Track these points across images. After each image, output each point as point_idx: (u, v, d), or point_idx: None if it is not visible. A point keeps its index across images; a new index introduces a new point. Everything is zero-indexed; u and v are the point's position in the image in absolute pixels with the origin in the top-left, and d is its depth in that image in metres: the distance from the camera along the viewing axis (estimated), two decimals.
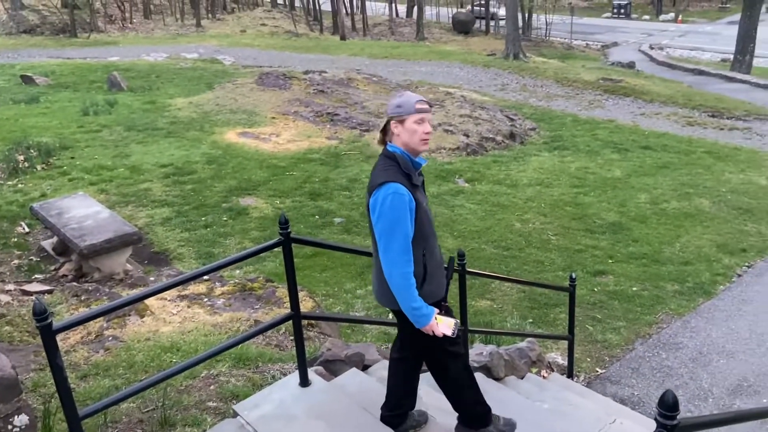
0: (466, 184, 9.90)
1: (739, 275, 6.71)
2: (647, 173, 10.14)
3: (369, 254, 2.45)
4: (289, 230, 2.74)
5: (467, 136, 12.21)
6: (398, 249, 2.36)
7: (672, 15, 36.29)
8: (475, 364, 4.15)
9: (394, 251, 2.36)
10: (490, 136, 12.41)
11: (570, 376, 4.79)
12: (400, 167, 2.43)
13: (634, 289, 6.42)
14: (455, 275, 3.07)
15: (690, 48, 27.79)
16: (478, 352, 4.29)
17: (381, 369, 3.65)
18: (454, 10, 33.46)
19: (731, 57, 20.76)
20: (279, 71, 15.92)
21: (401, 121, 2.45)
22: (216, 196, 8.47)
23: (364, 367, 3.68)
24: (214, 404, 3.17)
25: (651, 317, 5.91)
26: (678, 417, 1.57)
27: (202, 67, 18.34)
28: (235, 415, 2.86)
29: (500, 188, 9.66)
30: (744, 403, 4.69)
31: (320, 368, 3.45)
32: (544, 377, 4.61)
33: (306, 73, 16.07)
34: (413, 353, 2.79)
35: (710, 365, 5.12)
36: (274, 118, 12.35)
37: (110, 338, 3.98)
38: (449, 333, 2.49)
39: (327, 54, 22.74)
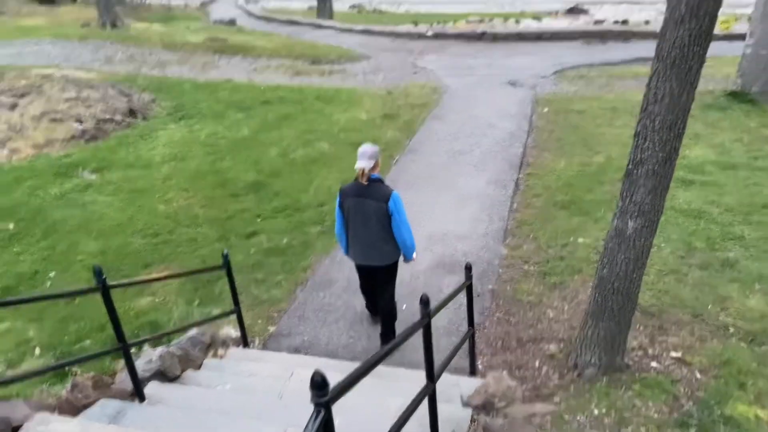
0: (93, 176, 9.00)
1: None
2: (272, 127, 10.77)
3: None
4: None
5: (80, 121, 10.97)
6: (407, 222, 4.44)
7: None
8: (147, 374, 3.96)
9: (406, 223, 4.43)
10: (108, 116, 11.39)
11: (245, 345, 4.96)
12: (384, 183, 4.48)
13: (285, 240, 6.88)
14: None
15: None
16: (146, 359, 4.08)
17: (37, 425, 3.17)
18: None
19: (316, 5, 23.18)
20: None
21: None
22: None
23: (15, 431, 3.14)
24: None
25: (305, 262, 6.41)
26: (329, 391, 1.70)
27: None
28: None
29: (134, 172, 9.07)
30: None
31: None
32: (221, 357, 4.68)
33: None
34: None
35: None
36: None
37: None
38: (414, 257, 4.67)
39: None
